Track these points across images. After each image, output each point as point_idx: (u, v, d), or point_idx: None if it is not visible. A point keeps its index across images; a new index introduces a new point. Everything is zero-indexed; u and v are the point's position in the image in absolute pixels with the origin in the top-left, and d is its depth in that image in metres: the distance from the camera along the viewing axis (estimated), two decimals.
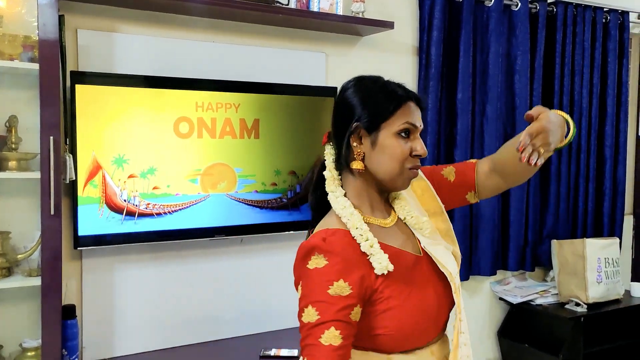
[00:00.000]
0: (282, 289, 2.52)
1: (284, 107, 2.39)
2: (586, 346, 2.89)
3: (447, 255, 1.18)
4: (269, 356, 2.20)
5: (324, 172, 1.18)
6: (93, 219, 2.04)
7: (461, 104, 2.84)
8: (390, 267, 1.07)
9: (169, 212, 2.17)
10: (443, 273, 1.17)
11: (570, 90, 3.19)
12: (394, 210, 1.22)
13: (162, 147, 2.15)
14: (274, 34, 2.48)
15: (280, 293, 2.51)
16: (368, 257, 1.08)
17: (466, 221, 2.90)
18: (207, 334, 2.37)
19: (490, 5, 2.89)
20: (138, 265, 2.22)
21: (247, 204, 2.33)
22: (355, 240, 1.09)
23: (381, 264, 1.07)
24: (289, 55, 2.50)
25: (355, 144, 1.13)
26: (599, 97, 3.32)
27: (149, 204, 2.13)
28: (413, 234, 1.21)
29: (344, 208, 1.12)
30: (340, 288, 1.02)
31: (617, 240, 3.17)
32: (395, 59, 2.78)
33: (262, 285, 2.48)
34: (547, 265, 3.23)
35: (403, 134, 1.12)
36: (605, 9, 3.29)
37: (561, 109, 3.17)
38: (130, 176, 2.09)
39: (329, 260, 1.05)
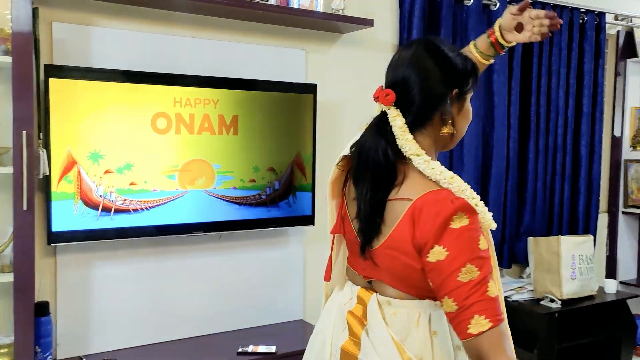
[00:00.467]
0: (258, 285, 2.52)
1: (263, 103, 2.38)
2: (560, 341, 2.93)
3: None
4: (247, 352, 2.20)
5: (403, 136, 1.13)
6: (67, 215, 2.01)
7: None
8: (494, 225, 1.11)
9: (146, 208, 2.15)
10: None
11: (547, 90, 3.24)
12: None
13: (139, 143, 2.13)
14: (254, 30, 2.47)
15: (259, 289, 2.51)
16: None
17: None
18: (184, 331, 2.36)
19: (469, 4, 2.91)
20: (114, 262, 2.20)
21: (226, 200, 2.32)
22: None
23: (490, 220, 1.10)
24: (269, 52, 2.49)
25: (452, 109, 1.16)
26: (575, 96, 3.37)
27: (125, 199, 2.10)
28: None
29: (442, 172, 1.10)
30: (483, 242, 1.04)
31: (592, 237, 3.22)
32: (375, 57, 2.79)
33: (240, 282, 2.47)
34: (524, 262, 3.27)
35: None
36: (582, 10, 3.34)
37: (538, 108, 3.22)
38: (107, 172, 2.07)
39: (469, 218, 1.04)
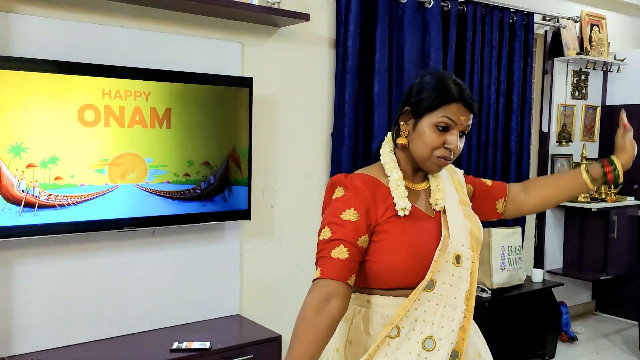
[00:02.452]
0: (194, 281, 2.49)
1: (198, 96, 2.35)
2: (489, 329, 3.05)
3: (459, 224, 1.32)
4: (180, 349, 2.17)
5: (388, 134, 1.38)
6: None
7: (378, 97, 2.90)
8: (409, 206, 1.26)
9: (73, 204, 2.08)
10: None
11: (479, 87, 3.34)
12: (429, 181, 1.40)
13: (65, 136, 2.05)
14: (189, 21, 2.42)
15: (194, 285, 2.48)
16: (390, 198, 1.27)
17: None
18: (115, 329, 2.30)
19: (404, 1, 2.97)
20: (39, 260, 2.12)
21: (159, 195, 2.28)
22: (379, 184, 1.29)
23: (402, 202, 1.26)
24: (205, 44, 2.45)
25: (402, 122, 1.32)
26: (506, 94, 3.50)
27: (50, 194, 2.03)
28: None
29: (386, 162, 1.32)
30: (351, 214, 1.22)
31: (520, 229, 3.37)
32: (312, 51, 2.80)
33: (175, 278, 2.43)
34: None
35: (440, 127, 1.26)
36: (512, 10, 3.46)
37: None
38: (29, 165, 1.98)
39: (345, 192, 1.27)
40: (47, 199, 2.02)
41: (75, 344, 2.20)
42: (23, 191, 1.98)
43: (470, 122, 1.30)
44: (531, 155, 3.73)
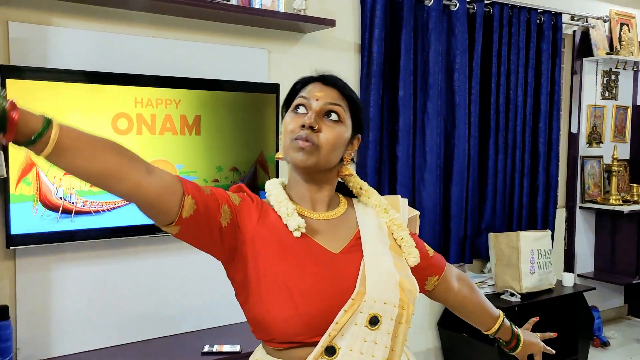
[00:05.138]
0: (224, 284, 2.52)
1: (225, 103, 2.39)
2: None
3: (384, 273, 1.07)
4: (211, 352, 2.20)
5: None
6: (27, 218, 1.98)
7: (402, 101, 2.91)
8: (302, 224, 1.05)
9: (108, 210, 2.14)
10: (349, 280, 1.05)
11: (506, 89, 3.32)
12: (349, 205, 1.18)
13: None
14: (216, 29, 2.47)
15: (222, 289, 2.51)
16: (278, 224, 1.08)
17: None
18: (148, 332, 2.35)
19: (430, 5, 2.97)
20: (76, 264, 2.18)
21: None
22: (270, 210, 1.10)
23: (292, 221, 1.05)
24: (231, 52, 2.50)
25: (280, 136, 1.14)
26: (533, 95, 3.47)
27: (86, 201, 2.09)
28: (351, 235, 1.12)
29: (269, 188, 1.14)
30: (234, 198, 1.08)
31: (549, 232, 3.32)
32: (337, 56, 2.82)
33: (204, 282, 2.47)
34: (485, 257, 3.36)
35: (297, 110, 1.09)
36: (539, 11, 3.43)
37: (497, 107, 3.30)
38: (66, 173, 2.04)
39: (230, 190, 1.11)
40: (83, 206, 2.08)
41: (109, 347, 2.26)
42: (60, 198, 2.04)
43: (337, 101, 1.09)
44: (560, 158, 3.68)
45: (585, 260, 4.01)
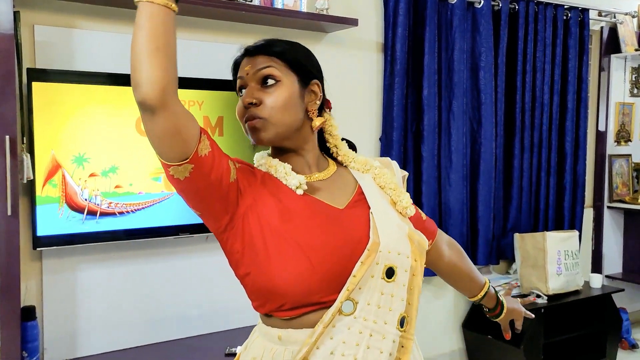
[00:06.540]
0: None
1: None
2: (546, 336, 2.97)
3: (394, 225, 1.07)
4: (234, 354, 2.20)
5: None
6: (53, 219, 2.00)
7: (427, 100, 2.87)
8: (303, 180, 1.04)
9: (132, 211, 2.15)
10: (360, 234, 1.03)
11: (532, 87, 3.26)
12: (337, 163, 1.18)
13: (123, 146, 2.12)
14: (239, 30, 2.46)
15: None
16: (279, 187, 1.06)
17: (434, 217, 2.94)
18: (172, 333, 2.36)
19: (453, 2, 2.92)
20: (100, 265, 2.20)
21: None
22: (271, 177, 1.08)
23: (292, 179, 1.04)
24: None
25: None
26: (560, 93, 3.40)
27: (111, 202, 2.10)
28: (350, 190, 1.12)
29: (261, 159, 1.12)
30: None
31: (577, 233, 3.26)
32: (360, 56, 2.80)
33: (226, 283, 2.46)
34: (511, 258, 3.30)
35: (240, 93, 1.10)
36: (565, 7, 3.36)
37: (523, 105, 3.24)
38: (91, 175, 2.06)
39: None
40: (108, 207, 2.09)
41: (134, 347, 2.27)
42: (86, 200, 2.06)
43: (265, 64, 1.07)
44: (587, 156, 3.60)
45: (613, 261, 3.93)
